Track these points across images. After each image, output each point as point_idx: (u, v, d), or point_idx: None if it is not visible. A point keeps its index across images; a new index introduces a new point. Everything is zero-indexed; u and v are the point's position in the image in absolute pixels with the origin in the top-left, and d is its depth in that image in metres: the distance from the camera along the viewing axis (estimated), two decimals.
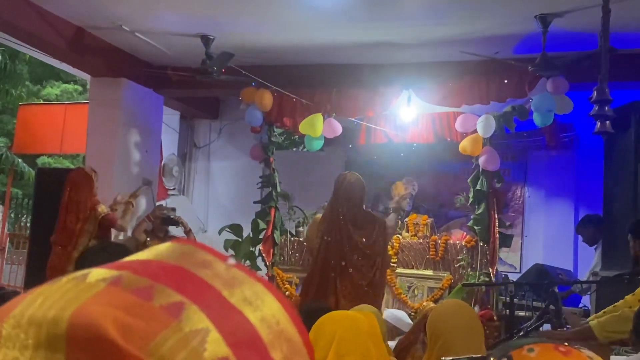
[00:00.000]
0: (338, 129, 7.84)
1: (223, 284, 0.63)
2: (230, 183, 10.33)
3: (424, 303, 7.13)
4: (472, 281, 7.14)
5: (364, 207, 5.88)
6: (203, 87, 8.13)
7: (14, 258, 12.37)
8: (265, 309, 0.63)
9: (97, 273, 0.62)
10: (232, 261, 0.66)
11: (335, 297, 5.56)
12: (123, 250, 2.82)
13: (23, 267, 10.74)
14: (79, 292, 0.59)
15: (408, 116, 7.94)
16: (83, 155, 12.33)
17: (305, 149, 11.21)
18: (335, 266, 5.57)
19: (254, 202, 8.38)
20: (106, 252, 2.71)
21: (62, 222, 6.81)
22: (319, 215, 6.17)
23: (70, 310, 0.57)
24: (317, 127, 7.76)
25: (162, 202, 8.57)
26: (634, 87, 7.10)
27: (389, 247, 6.94)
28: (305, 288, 6.11)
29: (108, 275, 0.61)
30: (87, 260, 2.60)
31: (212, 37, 7.26)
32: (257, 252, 8.26)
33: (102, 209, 6.85)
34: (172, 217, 7.76)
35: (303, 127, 7.82)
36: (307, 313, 2.56)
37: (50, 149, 11.75)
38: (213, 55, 7.27)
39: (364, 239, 5.57)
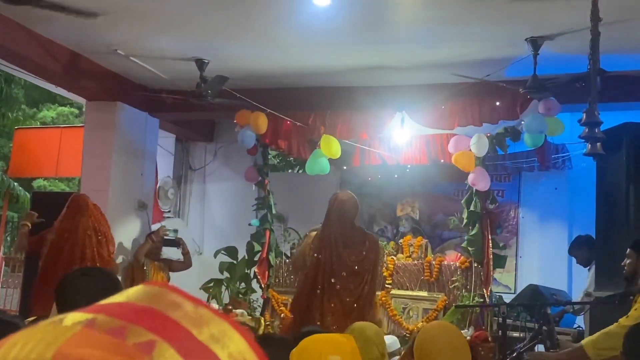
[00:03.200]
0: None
1: (192, 323, 0.66)
2: (225, 205, 10.35)
3: (419, 324, 7.15)
4: (467, 302, 7.16)
5: (355, 224, 5.89)
6: (198, 110, 8.16)
7: (10, 281, 12.35)
8: (232, 346, 0.67)
9: (72, 317, 0.65)
10: (199, 301, 0.69)
11: (321, 313, 5.59)
12: (105, 274, 2.81)
13: (19, 291, 10.75)
14: (57, 334, 0.62)
15: (402, 138, 7.99)
16: (78, 178, 12.38)
17: (301, 171, 11.27)
18: (323, 283, 5.60)
19: (249, 224, 8.40)
20: (87, 277, 2.69)
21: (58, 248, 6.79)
22: (313, 233, 6.19)
23: (51, 352, 0.60)
24: (335, 148, 7.75)
25: (161, 224, 8.59)
26: (624, 109, 7.17)
27: (382, 267, 6.97)
28: (293, 304, 6.16)
29: (83, 318, 0.64)
30: (69, 287, 2.59)
31: (206, 61, 7.31)
32: (252, 275, 8.27)
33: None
34: (174, 238, 7.81)
35: (324, 149, 7.77)
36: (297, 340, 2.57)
37: (46, 172, 11.77)
38: (208, 78, 7.32)
39: (353, 257, 5.60)
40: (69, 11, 5.36)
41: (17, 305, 10.11)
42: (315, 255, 5.70)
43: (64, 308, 2.53)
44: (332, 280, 5.54)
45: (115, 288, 2.58)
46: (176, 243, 7.80)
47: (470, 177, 7.24)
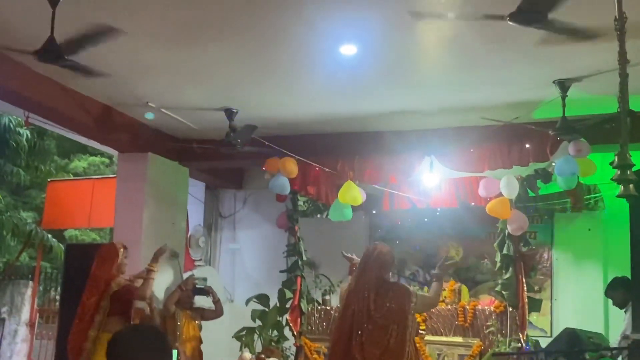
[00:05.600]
0: (363, 195, 7.88)
1: None
2: (256, 252, 10.36)
3: None
4: (503, 347, 7.07)
5: (387, 276, 5.83)
6: (227, 158, 8.22)
7: (44, 333, 12.40)
8: None
9: None
10: None
11: None
12: (155, 332, 2.85)
13: (53, 342, 10.78)
14: None
15: (431, 182, 7.97)
16: (110, 228, 12.49)
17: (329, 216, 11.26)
18: (352, 335, 5.56)
19: (280, 272, 8.40)
20: (139, 334, 2.74)
21: (82, 297, 6.83)
22: (345, 285, 6.17)
23: None
24: (356, 195, 7.75)
25: (192, 273, 8.60)
26: None
27: (414, 314, 6.88)
28: (329, 355, 6.11)
29: None
30: (120, 345, 2.63)
31: (235, 110, 7.39)
32: (284, 322, 8.24)
33: (118, 282, 6.78)
34: (203, 287, 7.80)
35: (342, 197, 7.79)
36: None
37: (78, 223, 11.88)
38: (237, 127, 7.39)
39: (377, 309, 5.55)
40: (98, 74, 5.48)
41: (52, 356, 10.14)
42: (349, 307, 5.66)
43: None
44: (359, 332, 5.50)
45: (165, 345, 2.66)
46: (205, 292, 7.78)
47: (510, 225, 7.17)
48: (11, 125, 12.23)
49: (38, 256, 13.40)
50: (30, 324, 12.55)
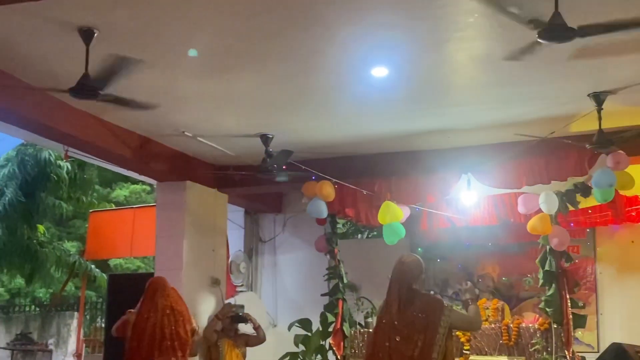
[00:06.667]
0: (405, 212, 7.85)
1: None
2: (297, 275, 10.35)
3: None
4: None
5: (414, 286, 5.76)
6: (265, 183, 8.26)
7: None
8: None
9: None
10: None
11: None
12: None
13: None
14: None
15: (469, 200, 7.91)
16: (153, 256, 12.61)
17: (369, 236, 11.24)
18: (382, 347, 5.53)
19: (322, 295, 8.38)
20: None
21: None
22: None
23: None
24: (397, 212, 7.72)
25: (231, 300, 8.64)
26: None
27: (456, 332, 6.81)
28: None
29: None
30: None
31: (270, 136, 7.44)
32: (327, 346, 8.21)
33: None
34: (240, 314, 7.81)
35: (382, 218, 7.76)
36: None
37: (120, 253, 12.04)
38: (273, 153, 7.44)
39: (403, 320, 5.50)
40: (135, 106, 5.56)
41: None
42: (380, 321, 5.65)
43: None
44: (387, 344, 5.47)
45: None
46: (244, 319, 7.80)
47: (552, 240, 7.10)
48: (51, 159, 12.46)
49: (82, 287, 13.59)
50: (77, 355, 12.73)
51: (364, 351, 8.03)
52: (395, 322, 5.46)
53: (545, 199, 7.09)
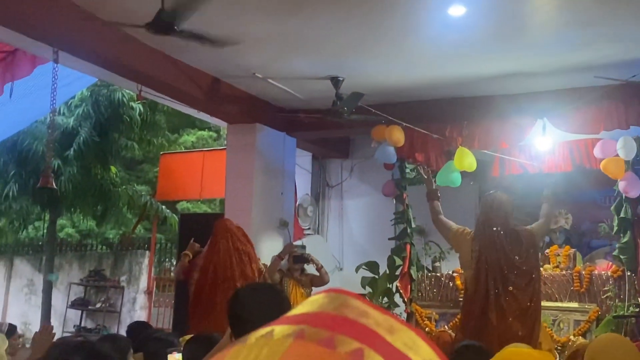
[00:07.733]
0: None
1: (385, 330, 0.68)
2: (363, 220, 10.38)
3: (571, 337, 6.90)
4: (621, 312, 6.85)
5: (513, 223, 5.78)
6: (334, 127, 8.25)
7: (161, 301, 12.88)
8: (423, 354, 0.69)
9: (280, 329, 0.68)
10: (383, 309, 0.71)
11: (499, 315, 5.57)
12: (273, 290, 2.92)
13: (170, 310, 11.19)
14: (273, 348, 0.66)
15: (544, 146, 7.72)
16: (220, 199, 12.77)
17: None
18: (497, 285, 5.54)
19: (389, 239, 8.39)
20: (258, 292, 2.80)
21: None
22: (468, 230, 6.13)
23: None
24: (472, 161, 7.62)
25: (298, 242, 8.71)
26: None
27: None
28: (467, 308, 6.10)
29: (290, 330, 0.67)
30: (240, 301, 2.70)
31: (341, 79, 7.38)
32: (394, 289, 8.23)
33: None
34: (301, 254, 7.88)
35: (459, 164, 7.65)
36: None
37: (190, 195, 12.21)
38: (343, 96, 7.39)
39: (517, 257, 5.52)
40: (209, 41, 5.55)
41: (169, 323, 10.51)
42: (483, 257, 5.65)
43: (237, 322, 2.64)
44: (503, 282, 5.48)
45: (284, 302, 2.69)
46: (304, 259, 7.86)
47: (621, 185, 6.94)
48: (124, 100, 12.62)
49: (153, 227, 13.88)
50: (148, 292, 13.08)
51: (430, 295, 8.04)
52: (512, 259, 5.47)
53: (623, 144, 6.89)
